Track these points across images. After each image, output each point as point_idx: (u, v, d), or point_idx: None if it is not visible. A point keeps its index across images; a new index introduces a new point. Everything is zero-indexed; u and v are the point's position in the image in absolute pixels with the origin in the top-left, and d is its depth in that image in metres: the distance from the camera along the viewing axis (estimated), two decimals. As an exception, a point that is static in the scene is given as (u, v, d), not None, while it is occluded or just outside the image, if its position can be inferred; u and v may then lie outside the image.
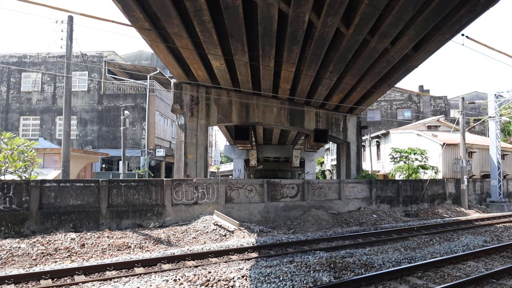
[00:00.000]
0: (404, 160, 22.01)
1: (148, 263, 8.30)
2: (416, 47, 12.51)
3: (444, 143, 22.14)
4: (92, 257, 9.18)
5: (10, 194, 10.66)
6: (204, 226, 11.95)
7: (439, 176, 22.50)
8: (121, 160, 20.63)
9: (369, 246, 10.74)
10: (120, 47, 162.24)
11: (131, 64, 30.14)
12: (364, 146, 29.40)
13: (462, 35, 11.17)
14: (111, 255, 9.39)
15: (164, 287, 6.54)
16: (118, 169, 25.45)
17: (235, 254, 9.41)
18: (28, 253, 8.95)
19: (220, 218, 12.47)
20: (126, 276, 7.47)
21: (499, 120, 22.43)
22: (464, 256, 8.87)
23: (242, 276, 7.06)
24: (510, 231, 13.33)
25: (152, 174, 26.08)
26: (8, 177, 11.53)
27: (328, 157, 45.01)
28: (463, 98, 22.12)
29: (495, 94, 22.28)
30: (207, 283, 6.67)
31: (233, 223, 12.21)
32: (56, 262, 8.65)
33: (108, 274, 7.66)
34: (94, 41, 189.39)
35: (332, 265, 7.82)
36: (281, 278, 6.99)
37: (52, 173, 17.74)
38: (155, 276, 7.35)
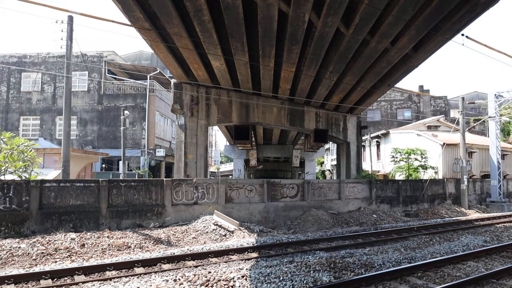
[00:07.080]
0: (405, 160, 22.02)
1: (148, 263, 8.30)
2: (416, 47, 12.50)
3: (444, 143, 22.14)
4: (92, 257, 9.19)
5: (10, 194, 10.66)
6: (204, 226, 11.96)
7: (439, 176, 22.50)
8: (121, 160, 20.63)
9: (369, 246, 10.74)
10: (120, 47, 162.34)
11: (131, 64, 30.14)
12: (364, 146, 29.39)
13: (462, 35, 11.18)
14: (111, 255, 9.40)
15: (164, 287, 6.55)
16: (118, 169, 25.44)
17: (235, 254, 9.41)
18: (28, 253, 8.95)
19: (220, 218, 12.47)
20: (126, 276, 7.47)
21: (499, 120, 22.43)
22: (464, 256, 8.87)
23: (242, 276, 7.06)
24: (510, 231, 13.33)
25: (152, 174, 26.07)
26: (8, 177, 11.53)
27: (328, 157, 45.01)
28: (463, 98, 22.11)
29: (495, 94, 22.28)
30: (207, 283, 6.67)
31: (233, 223, 12.21)
32: (56, 262, 8.65)
33: (108, 274, 7.66)
34: (94, 41, 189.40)
35: (332, 265, 7.82)
36: (281, 278, 6.99)
37: (52, 173, 17.74)
38: (155, 276, 7.35)
